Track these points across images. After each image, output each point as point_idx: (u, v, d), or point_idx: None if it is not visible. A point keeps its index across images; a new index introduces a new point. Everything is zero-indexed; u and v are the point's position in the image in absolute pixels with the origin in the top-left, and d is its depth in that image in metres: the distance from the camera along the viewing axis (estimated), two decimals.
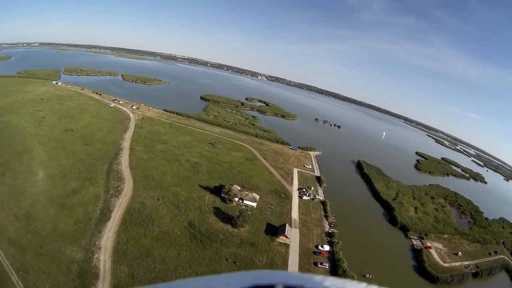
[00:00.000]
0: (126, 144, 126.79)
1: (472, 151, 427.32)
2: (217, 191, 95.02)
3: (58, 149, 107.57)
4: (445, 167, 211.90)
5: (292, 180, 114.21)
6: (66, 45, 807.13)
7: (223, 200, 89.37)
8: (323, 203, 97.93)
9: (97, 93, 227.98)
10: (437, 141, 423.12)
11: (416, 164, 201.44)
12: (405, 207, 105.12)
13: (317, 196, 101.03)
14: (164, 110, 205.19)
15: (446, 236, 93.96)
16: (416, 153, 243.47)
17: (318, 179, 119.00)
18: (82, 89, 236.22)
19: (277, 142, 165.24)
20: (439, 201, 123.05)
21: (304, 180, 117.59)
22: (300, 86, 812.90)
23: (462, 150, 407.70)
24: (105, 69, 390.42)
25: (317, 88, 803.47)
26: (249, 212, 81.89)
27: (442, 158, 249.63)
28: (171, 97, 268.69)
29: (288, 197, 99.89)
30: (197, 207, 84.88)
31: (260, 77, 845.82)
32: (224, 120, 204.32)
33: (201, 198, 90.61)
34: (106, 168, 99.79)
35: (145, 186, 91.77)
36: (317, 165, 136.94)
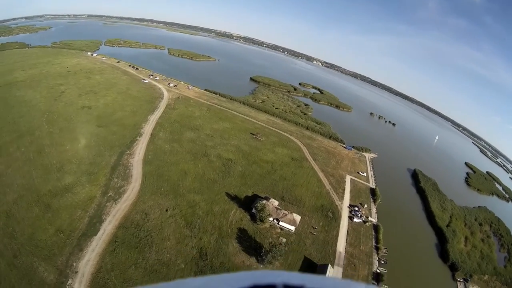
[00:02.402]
0: (148, 128, 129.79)
1: (509, 166, 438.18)
2: (247, 204, 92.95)
3: (66, 131, 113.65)
4: (490, 184, 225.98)
5: (343, 193, 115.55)
6: (116, 17, 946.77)
7: (253, 218, 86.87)
8: (376, 228, 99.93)
9: (133, 67, 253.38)
10: (481, 150, 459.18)
11: (466, 178, 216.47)
12: (457, 237, 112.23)
13: (369, 218, 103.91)
14: (206, 90, 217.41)
15: (486, 277, 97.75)
16: (466, 164, 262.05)
17: (373, 192, 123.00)
18: (118, 62, 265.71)
19: (330, 138, 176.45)
20: (485, 229, 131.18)
21: (357, 192, 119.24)
22: (355, 75, 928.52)
23: (502, 164, 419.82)
24: (152, 42, 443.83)
25: (371, 79, 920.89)
26: (285, 247, 79.21)
27: (487, 172, 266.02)
28: (217, 76, 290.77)
29: (336, 218, 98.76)
30: (216, 227, 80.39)
31: (315, 62, 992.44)
32: (273, 106, 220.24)
33: (225, 213, 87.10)
34: (113, 160, 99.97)
35: (154, 190, 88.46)
36: (372, 172, 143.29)
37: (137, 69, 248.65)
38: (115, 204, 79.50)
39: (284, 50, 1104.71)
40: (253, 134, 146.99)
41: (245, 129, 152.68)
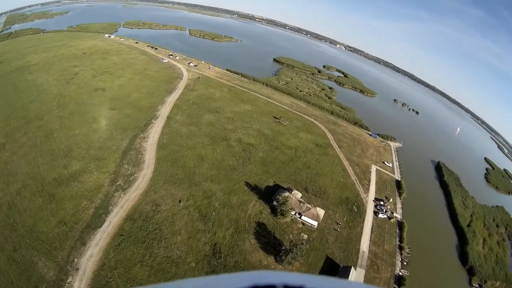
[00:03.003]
0: (165, 110, 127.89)
1: None
2: (268, 195, 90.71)
3: (76, 114, 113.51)
4: (507, 182, 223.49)
5: (368, 184, 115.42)
6: (136, 0, 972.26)
7: (274, 211, 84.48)
8: (400, 225, 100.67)
9: (152, 47, 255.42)
10: (498, 146, 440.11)
11: (485, 174, 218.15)
12: (477, 239, 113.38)
13: (394, 214, 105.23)
14: (227, 70, 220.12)
15: (497, 284, 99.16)
16: (485, 159, 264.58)
17: (398, 184, 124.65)
18: (136, 42, 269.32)
19: (355, 124, 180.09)
20: (501, 231, 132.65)
21: (383, 184, 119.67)
22: (378, 61, 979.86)
23: None
24: (173, 23, 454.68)
25: (393, 65, 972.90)
26: (306, 245, 77.28)
27: (504, 169, 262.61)
28: (239, 57, 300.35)
29: (361, 213, 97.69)
30: (232, 221, 77.45)
31: (338, 46, 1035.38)
32: (297, 88, 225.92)
33: (243, 204, 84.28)
34: (125, 144, 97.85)
35: (167, 178, 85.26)
36: (397, 163, 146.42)
37: (156, 49, 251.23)
38: (123, 193, 76.52)
39: (307, 33, 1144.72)
40: (276, 118, 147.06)
41: (267, 112, 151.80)
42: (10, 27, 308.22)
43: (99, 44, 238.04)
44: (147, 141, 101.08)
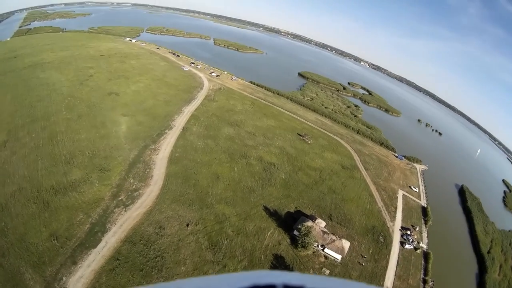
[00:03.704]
0: (181, 120, 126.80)
1: None
2: (288, 223, 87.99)
3: (85, 118, 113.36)
4: None
5: (395, 211, 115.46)
6: (162, 7, 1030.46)
7: (294, 242, 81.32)
8: (426, 256, 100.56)
9: (174, 54, 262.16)
10: None
11: (503, 197, 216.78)
12: (495, 266, 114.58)
13: (420, 244, 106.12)
14: (251, 82, 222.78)
15: None
16: (503, 181, 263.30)
17: (424, 211, 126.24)
18: (158, 48, 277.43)
19: (381, 144, 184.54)
20: None
21: (409, 211, 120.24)
22: (401, 79, 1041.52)
23: None
24: (197, 31, 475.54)
25: (415, 84, 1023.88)
26: None
27: None
28: (264, 69, 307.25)
29: (388, 244, 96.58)
30: (247, 252, 73.72)
31: (362, 63, 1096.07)
32: (322, 105, 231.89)
33: (260, 233, 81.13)
34: (133, 155, 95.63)
35: (176, 197, 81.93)
36: (423, 188, 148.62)
37: (178, 56, 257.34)
38: (125, 210, 73.13)
39: (332, 49, 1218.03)
40: (301, 135, 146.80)
41: (291, 129, 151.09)
42: (30, 23, 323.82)
43: (119, 47, 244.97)
44: (157, 154, 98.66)
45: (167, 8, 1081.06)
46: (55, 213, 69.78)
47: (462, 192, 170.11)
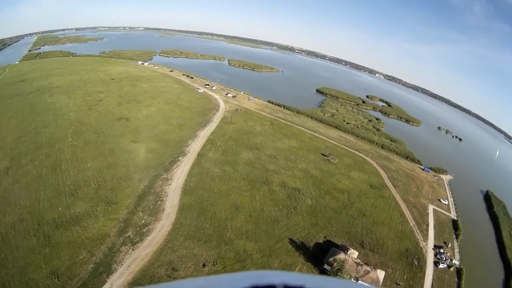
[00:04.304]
0: (196, 146, 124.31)
1: None
2: (318, 255, 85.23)
3: (92, 145, 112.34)
4: None
5: (427, 229, 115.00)
6: (174, 30, 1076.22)
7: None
8: (459, 273, 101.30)
9: (187, 76, 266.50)
10: None
11: None
12: None
13: (453, 261, 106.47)
14: (269, 101, 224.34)
15: None
16: None
17: (455, 225, 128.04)
18: (171, 70, 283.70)
19: (406, 158, 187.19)
20: None
21: (440, 227, 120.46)
22: (416, 88, 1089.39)
23: None
24: (211, 53, 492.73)
25: (430, 92, 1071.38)
26: None
27: None
28: (281, 87, 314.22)
29: (422, 266, 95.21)
30: None
31: (377, 75, 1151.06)
32: (344, 120, 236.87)
33: (287, 270, 66.66)
34: (143, 186, 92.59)
35: (191, 233, 77.53)
36: (452, 199, 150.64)
37: (192, 78, 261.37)
38: (133, 249, 68.90)
39: (346, 63, 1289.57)
40: (324, 155, 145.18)
41: (314, 148, 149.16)
42: (40, 48, 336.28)
43: (130, 70, 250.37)
44: (170, 184, 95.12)
45: (179, 31, 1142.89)
46: (57, 249, 67.65)
47: (487, 197, 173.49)
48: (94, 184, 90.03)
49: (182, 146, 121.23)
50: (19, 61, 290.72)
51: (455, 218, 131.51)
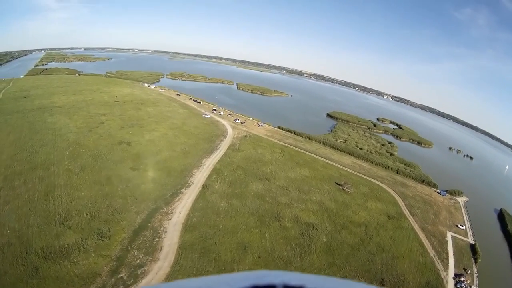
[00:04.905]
0: (201, 176, 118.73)
1: None
2: None
3: (88, 170, 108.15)
4: None
5: (447, 258, 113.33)
6: (184, 54, 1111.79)
7: None
8: None
9: (194, 100, 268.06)
10: None
11: None
12: None
13: (472, 287, 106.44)
14: (279, 127, 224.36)
15: None
16: None
17: (473, 249, 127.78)
18: (178, 94, 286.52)
19: (422, 182, 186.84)
20: None
21: (460, 253, 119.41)
22: (423, 108, 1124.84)
23: None
24: (220, 77, 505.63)
25: (438, 111, 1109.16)
26: None
27: None
28: (291, 112, 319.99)
29: None
30: None
31: (385, 97, 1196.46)
32: (356, 145, 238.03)
33: None
34: (140, 220, 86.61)
35: (192, 276, 67.91)
36: (469, 223, 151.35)
37: (199, 102, 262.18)
38: None
39: (354, 86, 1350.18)
40: (339, 184, 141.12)
41: (328, 177, 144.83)
42: (47, 64, 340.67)
43: (135, 92, 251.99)
44: (170, 219, 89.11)
45: (189, 54, 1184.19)
46: (44, 282, 63.06)
47: (501, 216, 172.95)
48: (86, 214, 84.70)
49: (186, 176, 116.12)
50: (24, 76, 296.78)
51: (473, 243, 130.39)
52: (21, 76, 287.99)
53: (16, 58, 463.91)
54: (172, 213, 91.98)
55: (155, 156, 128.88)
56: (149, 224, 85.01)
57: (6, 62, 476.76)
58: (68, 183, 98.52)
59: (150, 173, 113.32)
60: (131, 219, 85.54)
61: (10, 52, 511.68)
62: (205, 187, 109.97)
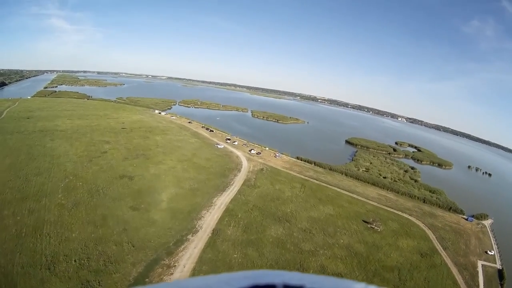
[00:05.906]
0: (211, 218, 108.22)
1: None
2: None
3: (82, 207, 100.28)
4: None
5: None
6: (197, 81, 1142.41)
7: None
8: None
9: (207, 129, 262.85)
10: None
11: None
12: None
13: None
14: (297, 158, 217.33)
15: None
16: None
17: (501, 275, 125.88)
18: (189, 122, 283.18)
19: (449, 209, 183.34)
20: None
21: (489, 282, 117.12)
22: (438, 128, 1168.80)
23: None
24: (234, 104, 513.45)
25: (451, 129, 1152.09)
26: None
27: None
28: (309, 140, 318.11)
29: None
30: None
31: (400, 119, 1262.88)
32: (380, 174, 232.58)
33: None
34: (136, 273, 76.44)
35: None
36: (496, 246, 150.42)
37: (212, 131, 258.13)
38: None
39: (368, 109, 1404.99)
40: (367, 222, 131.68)
41: (355, 215, 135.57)
42: (57, 86, 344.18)
43: (144, 119, 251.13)
44: (172, 273, 78.33)
45: (202, 81, 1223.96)
46: None
47: None
48: (75, 261, 75.28)
49: (194, 219, 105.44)
50: (31, 96, 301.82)
51: (500, 268, 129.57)
52: (29, 97, 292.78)
53: (26, 78, 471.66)
54: (174, 266, 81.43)
55: (160, 194, 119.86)
56: (147, 280, 74.91)
57: (16, 81, 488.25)
58: (59, 221, 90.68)
59: (152, 215, 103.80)
60: (126, 272, 75.39)
61: (21, 71, 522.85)
62: (215, 232, 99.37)
